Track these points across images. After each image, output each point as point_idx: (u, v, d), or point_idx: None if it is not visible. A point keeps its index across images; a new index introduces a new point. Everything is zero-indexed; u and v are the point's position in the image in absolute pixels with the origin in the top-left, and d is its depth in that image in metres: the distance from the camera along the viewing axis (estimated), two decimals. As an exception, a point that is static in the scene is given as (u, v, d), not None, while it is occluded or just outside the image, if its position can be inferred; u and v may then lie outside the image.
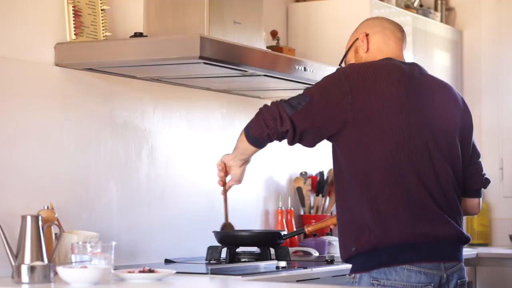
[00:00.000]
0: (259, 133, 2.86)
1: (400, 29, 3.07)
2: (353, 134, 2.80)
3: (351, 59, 3.08)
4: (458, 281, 2.89)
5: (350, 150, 2.82)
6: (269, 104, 2.87)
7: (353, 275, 2.89)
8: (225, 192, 3.21)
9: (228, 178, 3.16)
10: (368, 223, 2.79)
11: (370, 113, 2.79)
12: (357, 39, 3.06)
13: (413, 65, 2.98)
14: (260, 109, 2.88)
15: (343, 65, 3.12)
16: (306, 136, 2.85)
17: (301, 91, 4.04)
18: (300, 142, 2.89)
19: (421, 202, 2.81)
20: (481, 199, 3.13)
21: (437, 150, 2.87)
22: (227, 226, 3.34)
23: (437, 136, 2.88)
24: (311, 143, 2.90)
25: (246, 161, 3.07)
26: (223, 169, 3.13)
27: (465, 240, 2.90)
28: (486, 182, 3.11)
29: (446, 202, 2.86)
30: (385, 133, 2.79)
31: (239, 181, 3.14)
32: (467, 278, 2.96)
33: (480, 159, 3.11)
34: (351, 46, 3.08)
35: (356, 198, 2.82)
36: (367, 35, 3.04)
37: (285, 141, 3.05)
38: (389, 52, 3.01)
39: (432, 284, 2.80)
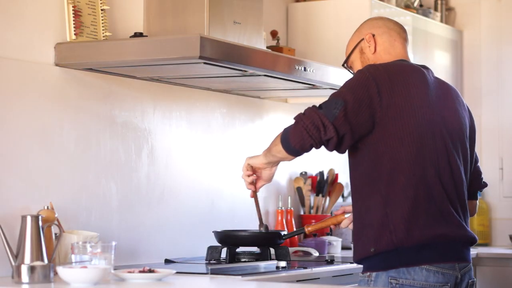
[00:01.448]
0: (301, 144, 2.77)
1: (403, 29, 3.09)
2: (380, 135, 2.80)
3: (356, 60, 3.07)
4: (469, 281, 2.92)
5: (377, 151, 2.81)
6: (302, 112, 2.78)
7: (368, 273, 2.87)
8: (255, 195, 3.15)
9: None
10: (390, 224, 2.78)
11: (397, 114, 2.79)
12: (363, 39, 3.05)
13: (427, 69, 2.99)
14: (298, 118, 2.78)
15: (346, 66, 3.12)
16: (344, 141, 2.79)
17: (301, 91, 4.08)
18: (338, 148, 2.82)
19: (440, 203, 2.83)
20: (478, 200, 3.18)
21: (454, 152, 2.90)
22: (264, 227, 3.39)
23: (453, 139, 2.91)
24: (345, 149, 2.83)
25: (278, 163, 3.02)
26: (253, 172, 3.06)
27: (474, 241, 2.94)
28: (484, 185, 3.18)
29: (459, 204, 2.89)
30: (411, 135, 2.80)
31: (270, 180, 3.08)
32: (475, 279, 2.98)
33: (479, 163, 3.16)
34: (355, 46, 3.07)
35: (378, 199, 2.81)
36: (373, 35, 3.03)
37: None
38: (397, 54, 3.02)
39: (449, 284, 2.82)
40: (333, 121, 2.73)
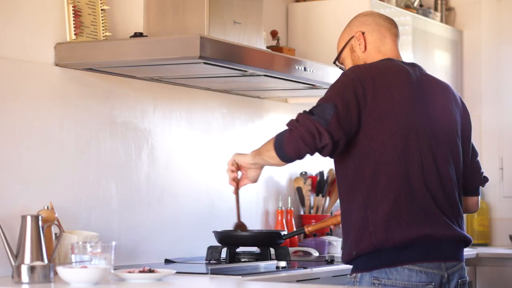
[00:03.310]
0: (296, 152, 2.75)
1: (394, 24, 3.05)
2: (363, 136, 2.79)
3: (347, 58, 3.05)
4: (459, 280, 2.90)
5: (360, 153, 2.80)
6: (294, 118, 2.76)
7: (354, 274, 2.88)
8: (237, 191, 3.14)
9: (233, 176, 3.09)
10: (370, 226, 2.78)
11: (380, 116, 2.78)
12: (353, 37, 3.03)
13: (414, 66, 2.98)
14: (291, 125, 2.75)
15: (337, 63, 3.10)
16: (339, 146, 2.77)
17: (301, 91, 4.08)
18: (332, 154, 2.80)
19: (424, 205, 2.81)
20: (479, 196, 3.16)
21: (441, 152, 2.88)
22: (240, 226, 3.32)
23: (441, 138, 2.89)
24: (339, 152, 2.80)
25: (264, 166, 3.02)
26: (236, 169, 3.05)
27: (466, 242, 2.92)
28: (484, 180, 3.15)
29: (448, 205, 2.87)
30: (394, 137, 2.79)
31: (256, 181, 3.07)
32: (468, 278, 2.96)
33: (478, 158, 3.13)
34: (346, 44, 3.04)
35: (360, 201, 2.81)
36: (363, 33, 3.01)
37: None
38: (387, 51, 3.00)
39: (433, 284, 2.80)
40: (327, 127, 2.72)
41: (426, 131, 2.85)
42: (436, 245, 2.82)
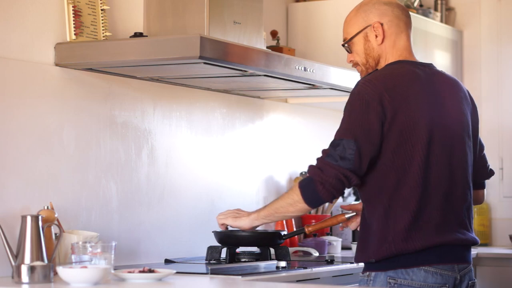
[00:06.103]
0: (332, 199, 2.81)
1: (409, 15, 3.00)
2: (386, 150, 2.79)
3: (358, 44, 2.97)
4: (469, 282, 2.92)
5: (381, 165, 2.80)
6: (315, 164, 2.80)
7: (367, 273, 2.87)
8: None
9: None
10: (390, 236, 2.78)
11: (400, 129, 2.78)
12: (369, 25, 2.95)
13: (425, 66, 2.96)
14: (317, 176, 2.77)
15: (346, 46, 3.03)
16: (368, 167, 2.80)
17: (301, 91, 4.08)
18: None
19: (442, 212, 2.83)
20: (485, 189, 3.18)
21: (455, 157, 2.88)
22: None
23: (454, 142, 2.89)
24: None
25: None
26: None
27: (474, 243, 2.95)
28: (491, 173, 3.16)
29: (462, 209, 2.89)
30: (414, 148, 2.79)
31: None
32: (475, 279, 2.98)
33: (484, 151, 3.12)
34: (360, 31, 2.97)
35: (381, 211, 2.81)
36: (381, 24, 2.94)
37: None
38: (401, 47, 2.95)
39: (447, 285, 2.82)
40: (353, 168, 2.75)
41: (441, 138, 2.85)
42: (451, 249, 2.85)
